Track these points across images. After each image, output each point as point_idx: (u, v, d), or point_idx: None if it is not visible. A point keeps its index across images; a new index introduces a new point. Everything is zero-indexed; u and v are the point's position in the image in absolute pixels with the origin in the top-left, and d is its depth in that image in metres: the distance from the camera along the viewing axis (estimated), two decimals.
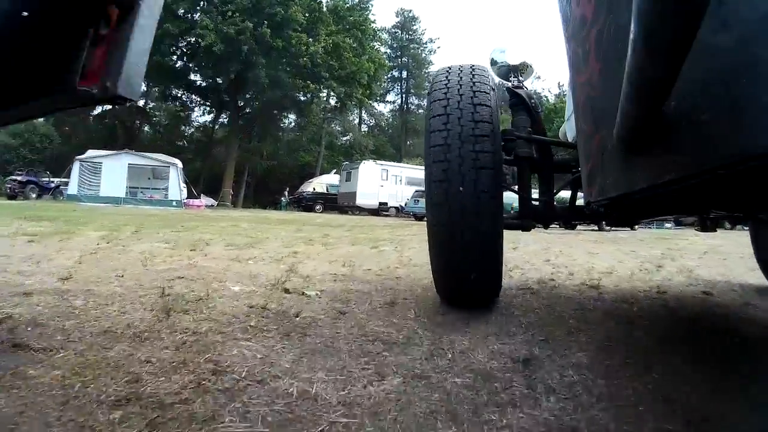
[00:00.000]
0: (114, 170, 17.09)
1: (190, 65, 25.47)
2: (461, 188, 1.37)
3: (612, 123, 0.79)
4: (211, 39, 20.61)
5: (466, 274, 1.48)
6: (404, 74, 42.19)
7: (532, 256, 3.90)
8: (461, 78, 1.56)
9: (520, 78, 2.10)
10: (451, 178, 1.38)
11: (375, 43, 29.17)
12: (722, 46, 0.58)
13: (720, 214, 1.67)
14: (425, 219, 1.63)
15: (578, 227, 3.74)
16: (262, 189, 31.84)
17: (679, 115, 0.67)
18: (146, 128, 32.85)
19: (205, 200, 21.16)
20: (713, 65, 0.60)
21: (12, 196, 16.29)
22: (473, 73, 1.59)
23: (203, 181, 27.72)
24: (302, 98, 26.79)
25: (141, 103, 31.56)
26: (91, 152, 17.69)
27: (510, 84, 2.06)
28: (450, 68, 1.66)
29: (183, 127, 33.28)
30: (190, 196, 19.35)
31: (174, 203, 17.29)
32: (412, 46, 41.97)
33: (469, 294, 1.61)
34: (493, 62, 2.14)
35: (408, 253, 3.87)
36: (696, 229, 1.99)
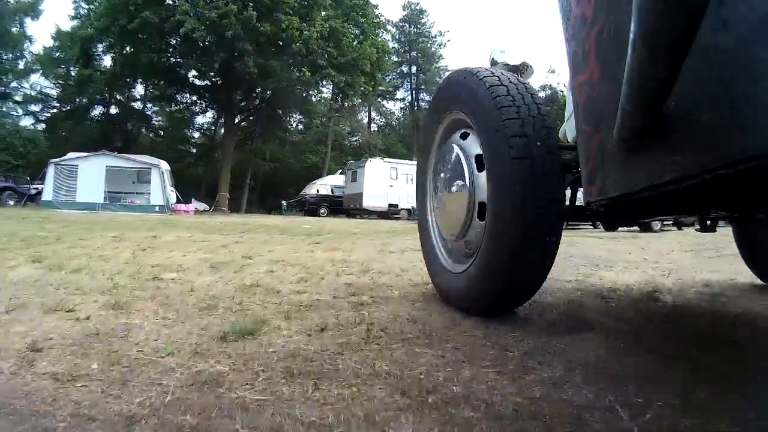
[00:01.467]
0: (91, 173, 15.81)
1: (176, 59, 24.19)
2: (541, 191, 1.39)
3: (612, 123, 0.81)
4: (191, 25, 19.07)
5: (531, 272, 1.50)
6: (414, 69, 41.33)
7: None
8: (516, 85, 1.57)
9: (520, 78, 2.13)
10: (536, 179, 1.40)
11: (380, 31, 27.93)
12: (722, 46, 0.59)
13: (720, 214, 1.70)
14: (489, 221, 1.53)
15: (581, 228, 3.41)
16: (268, 192, 31.13)
17: (679, 115, 0.68)
18: (150, 133, 32.54)
19: (196, 205, 20.09)
20: (713, 65, 0.61)
21: None
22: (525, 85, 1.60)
23: (205, 186, 27.38)
24: (300, 91, 25.35)
25: (138, 105, 31.42)
26: (69, 155, 16.81)
27: None
28: (493, 72, 1.65)
29: (185, 129, 32.98)
30: (178, 200, 18.35)
31: (157, 208, 15.97)
32: (420, 40, 41.05)
33: (519, 297, 1.64)
34: (493, 62, 2.16)
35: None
36: (696, 229, 2.00)
